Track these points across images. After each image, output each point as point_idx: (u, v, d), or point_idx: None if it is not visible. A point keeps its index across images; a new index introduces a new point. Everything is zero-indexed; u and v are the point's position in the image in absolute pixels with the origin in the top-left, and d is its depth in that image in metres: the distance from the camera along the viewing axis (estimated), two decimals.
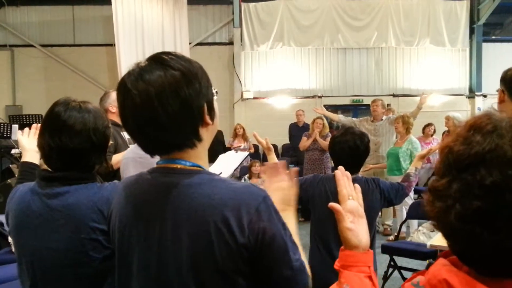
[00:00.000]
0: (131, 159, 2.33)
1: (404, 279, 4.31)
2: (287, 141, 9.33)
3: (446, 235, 0.79)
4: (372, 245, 2.54)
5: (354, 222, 1.02)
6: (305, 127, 8.34)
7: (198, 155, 1.11)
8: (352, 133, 2.63)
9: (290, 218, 1.17)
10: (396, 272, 4.27)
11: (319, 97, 10.78)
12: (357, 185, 1.10)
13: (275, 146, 10.34)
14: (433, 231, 4.76)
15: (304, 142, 6.70)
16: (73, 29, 10.90)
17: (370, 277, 0.98)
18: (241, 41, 10.68)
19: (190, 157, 1.09)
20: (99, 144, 1.50)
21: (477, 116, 0.80)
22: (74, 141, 1.44)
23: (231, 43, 10.89)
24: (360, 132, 2.69)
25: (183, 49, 9.81)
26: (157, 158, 1.14)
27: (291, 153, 9.09)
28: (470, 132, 0.77)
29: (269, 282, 1.06)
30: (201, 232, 1.01)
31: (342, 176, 1.09)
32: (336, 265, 1.00)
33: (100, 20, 10.78)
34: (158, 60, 1.07)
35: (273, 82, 10.69)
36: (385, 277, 4.25)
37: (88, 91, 9.48)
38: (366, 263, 1.00)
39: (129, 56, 8.74)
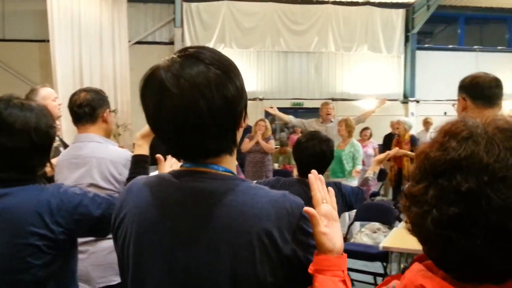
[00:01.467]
0: (66, 161, 2.26)
1: (351, 280, 4.45)
2: None
3: (422, 241, 0.79)
4: None
5: (328, 226, 1.01)
6: (247, 129, 8.39)
7: (231, 161, 1.04)
8: (318, 138, 2.59)
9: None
10: None
11: (260, 99, 10.90)
12: (330, 189, 1.09)
13: None
14: (375, 232, 4.92)
15: (246, 144, 6.73)
16: (3, 23, 10.35)
17: (344, 281, 0.97)
18: (182, 41, 10.60)
19: (223, 162, 1.02)
20: (41, 144, 1.42)
21: (452, 122, 0.81)
22: (13, 141, 1.37)
23: (171, 43, 10.77)
24: (325, 137, 2.67)
25: (122, 47, 9.59)
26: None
27: None
28: (446, 138, 0.77)
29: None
30: (242, 243, 0.94)
31: (316, 180, 1.07)
32: (310, 269, 0.98)
33: (33, 15, 10.29)
34: (194, 55, 0.96)
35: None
36: None
37: (18, 88, 9.01)
38: (340, 267, 0.99)
39: (64, 53, 8.41)
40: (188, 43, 10.57)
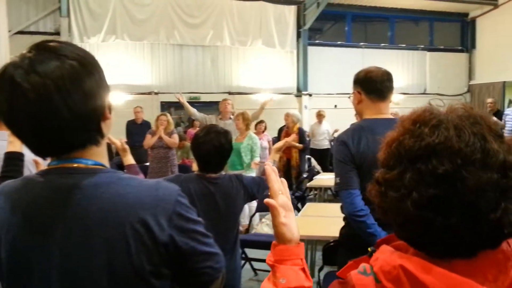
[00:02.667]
0: None
1: (254, 270, 4.50)
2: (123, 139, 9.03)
3: (398, 223, 0.83)
4: (236, 239, 2.60)
5: (286, 217, 1.02)
6: (144, 125, 8.17)
7: (100, 153, 1.03)
8: (216, 131, 2.60)
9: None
10: (247, 264, 4.44)
11: (156, 93, 10.68)
12: (283, 180, 1.09)
13: (109, 144, 9.92)
14: None
15: (149, 140, 6.55)
16: None
17: (303, 269, 0.98)
18: (69, 32, 10.01)
19: (92, 155, 1.01)
20: None
21: (419, 112, 0.85)
22: None
23: (57, 33, 10.11)
24: (223, 130, 2.68)
25: (1, 37, 8.80)
26: None
27: (129, 152, 8.81)
28: (416, 126, 0.82)
29: (187, 279, 1.05)
30: (116, 235, 0.95)
31: (272, 171, 1.07)
32: (270, 260, 0.99)
33: None
34: (48, 48, 0.95)
35: (107, 77, 10.22)
36: None
37: None
38: (299, 256, 1.00)
39: None
40: (75, 34, 10.02)
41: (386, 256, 0.83)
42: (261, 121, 8.42)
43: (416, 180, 0.78)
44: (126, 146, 2.40)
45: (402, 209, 0.79)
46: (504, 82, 11.98)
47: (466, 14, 13.34)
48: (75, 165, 1.00)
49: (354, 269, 0.86)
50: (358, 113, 2.64)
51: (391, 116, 2.65)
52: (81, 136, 0.98)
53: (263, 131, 8.41)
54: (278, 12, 11.60)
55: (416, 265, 0.78)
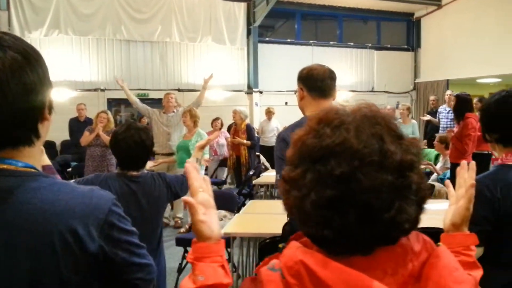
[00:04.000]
0: None
1: None
2: (67, 137, 8.79)
3: (301, 220, 0.84)
4: (160, 238, 2.58)
5: (206, 214, 1.01)
6: (88, 122, 7.97)
7: (33, 155, 0.98)
8: (136, 128, 2.55)
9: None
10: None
11: (102, 90, 10.45)
12: (206, 177, 1.08)
13: (52, 143, 9.64)
14: (221, 219, 5.03)
15: (86, 137, 6.39)
16: None
17: (222, 266, 0.98)
18: (9, 26, 9.61)
19: (23, 156, 0.96)
20: None
21: (325, 111, 0.86)
22: None
23: None
24: (143, 127, 2.63)
25: None
26: None
27: (72, 150, 8.60)
28: (320, 125, 0.83)
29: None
30: (43, 244, 0.91)
31: (192, 169, 1.06)
32: (189, 257, 0.99)
33: None
34: None
35: (50, 73, 9.89)
36: (180, 269, 4.36)
37: None
38: (219, 253, 1.00)
39: None
40: (16, 28, 9.65)
41: (291, 251, 0.85)
42: (217, 118, 8.43)
43: (315, 181, 0.80)
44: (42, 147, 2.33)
45: (303, 208, 0.82)
46: (448, 80, 12.48)
47: (412, 14, 13.80)
48: (5, 166, 0.94)
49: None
50: (301, 110, 2.68)
51: None
52: (15, 134, 0.93)
53: (220, 128, 8.39)
54: (228, 8, 11.60)
55: (316, 260, 0.81)
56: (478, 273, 1.21)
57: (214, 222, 1.04)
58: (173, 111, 6.47)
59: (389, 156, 0.79)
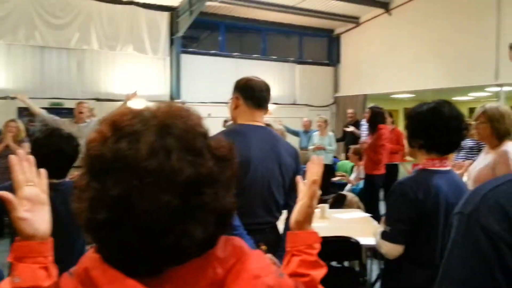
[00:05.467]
0: None
1: None
2: None
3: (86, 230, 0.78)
4: (82, 251, 2.45)
5: (31, 211, 0.96)
6: None
7: None
8: (59, 135, 2.45)
9: None
10: None
11: (12, 98, 9.84)
12: (43, 171, 1.03)
13: None
14: None
15: None
16: None
17: (46, 268, 0.93)
18: None
19: None
20: None
21: (122, 112, 0.77)
22: None
23: None
24: (67, 134, 2.52)
25: None
26: None
27: None
28: (109, 130, 0.74)
29: None
30: None
31: (20, 161, 1.00)
32: (10, 257, 0.92)
33: None
34: None
35: None
36: None
37: None
38: (43, 253, 0.94)
39: None
40: None
41: (83, 258, 0.80)
42: None
43: (91, 199, 0.73)
44: None
45: (81, 222, 0.75)
46: (366, 95, 13.06)
47: (332, 31, 14.35)
48: None
49: None
50: (233, 119, 2.77)
51: (264, 125, 2.79)
52: None
53: None
54: (151, 17, 11.44)
55: (99, 268, 0.75)
56: (320, 272, 1.19)
57: (41, 220, 0.98)
58: (85, 122, 6.25)
59: (174, 175, 0.71)
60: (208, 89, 11.67)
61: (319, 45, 14.63)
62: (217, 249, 0.81)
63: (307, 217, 1.26)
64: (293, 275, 1.15)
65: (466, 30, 10.13)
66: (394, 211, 2.32)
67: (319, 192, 1.31)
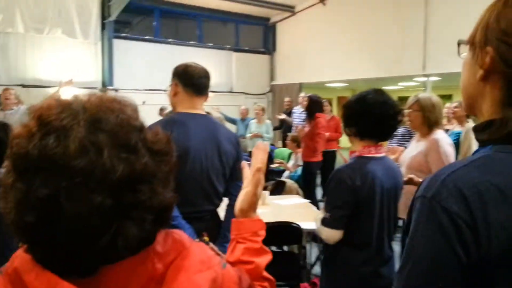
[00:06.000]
0: None
1: None
2: None
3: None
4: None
5: None
6: None
7: None
8: None
9: None
10: None
11: None
12: None
13: None
14: None
15: None
16: None
17: None
18: None
19: None
20: None
21: (49, 104, 0.72)
22: None
23: None
24: (1, 122, 2.40)
25: None
26: None
27: None
28: (36, 124, 0.69)
29: None
30: None
31: None
32: None
33: None
34: None
35: None
36: None
37: None
38: None
39: None
40: None
41: (15, 256, 0.76)
42: None
43: (18, 200, 0.69)
44: None
45: (9, 222, 0.71)
46: (301, 83, 13.30)
47: (268, 19, 14.44)
48: None
49: None
50: (173, 106, 2.73)
51: (204, 113, 2.76)
52: None
53: None
54: (80, 0, 10.96)
55: (30, 272, 0.71)
56: (266, 258, 1.21)
57: None
58: (12, 109, 5.97)
59: (106, 174, 0.68)
60: (143, 76, 11.41)
61: (255, 33, 14.68)
62: (156, 244, 0.79)
63: (252, 205, 1.27)
64: (238, 262, 1.16)
65: (396, 22, 10.56)
66: (333, 198, 2.40)
67: (263, 180, 1.32)
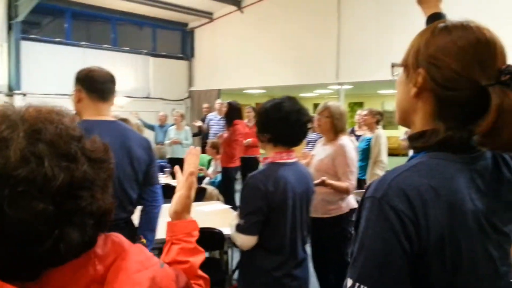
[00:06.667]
0: None
1: None
2: None
3: None
4: None
5: None
6: None
7: None
8: None
9: None
10: None
11: None
12: None
13: None
14: None
15: None
16: None
17: None
18: None
19: None
20: None
21: None
22: None
23: None
24: None
25: None
26: None
27: None
28: None
29: None
30: None
31: None
32: None
33: None
34: None
35: None
36: None
37: None
38: None
39: None
40: None
41: None
42: None
43: None
44: None
45: None
46: (219, 89, 13.38)
47: (186, 24, 14.41)
48: None
49: None
50: (78, 113, 2.61)
51: (112, 119, 2.68)
52: None
53: None
54: None
55: None
56: (200, 257, 1.30)
57: None
58: None
59: (48, 182, 0.71)
60: (53, 80, 10.90)
61: (173, 38, 14.57)
62: (97, 247, 0.84)
63: (186, 207, 1.34)
64: (173, 263, 1.22)
65: (311, 31, 10.98)
66: (246, 204, 2.46)
67: (196, 183, 1.39)
